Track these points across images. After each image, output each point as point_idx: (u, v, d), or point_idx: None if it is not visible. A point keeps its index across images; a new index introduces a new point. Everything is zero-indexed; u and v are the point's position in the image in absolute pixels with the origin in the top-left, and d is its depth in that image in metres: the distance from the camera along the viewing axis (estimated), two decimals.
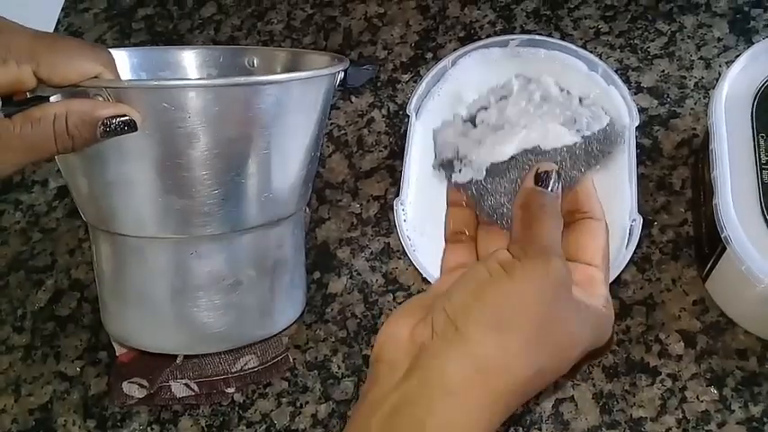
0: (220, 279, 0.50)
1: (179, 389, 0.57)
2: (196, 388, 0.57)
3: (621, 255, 0.50)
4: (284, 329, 0.57)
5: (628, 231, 0.51)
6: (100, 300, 0.55)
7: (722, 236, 0.49)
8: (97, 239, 0.52)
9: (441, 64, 0.59)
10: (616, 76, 0.57)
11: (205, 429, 0.57)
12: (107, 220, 0.49)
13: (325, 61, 0.53)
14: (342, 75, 0.51)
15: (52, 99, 0.41)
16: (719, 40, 0.67)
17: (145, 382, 0.57)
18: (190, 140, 0.44)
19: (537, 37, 0.60)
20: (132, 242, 0.49)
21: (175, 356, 0.57)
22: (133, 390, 0.57)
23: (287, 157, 0.49)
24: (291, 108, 0.47)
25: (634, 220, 0.51)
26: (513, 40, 0.60)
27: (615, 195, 0.53)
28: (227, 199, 0.47)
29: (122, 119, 0.42)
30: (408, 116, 0.58)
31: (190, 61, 0.57)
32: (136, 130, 0.42)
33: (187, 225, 0.48)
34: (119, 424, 0.58)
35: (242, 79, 0.47)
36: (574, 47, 0.58)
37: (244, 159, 0.47)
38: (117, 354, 0.59)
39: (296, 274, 0.56)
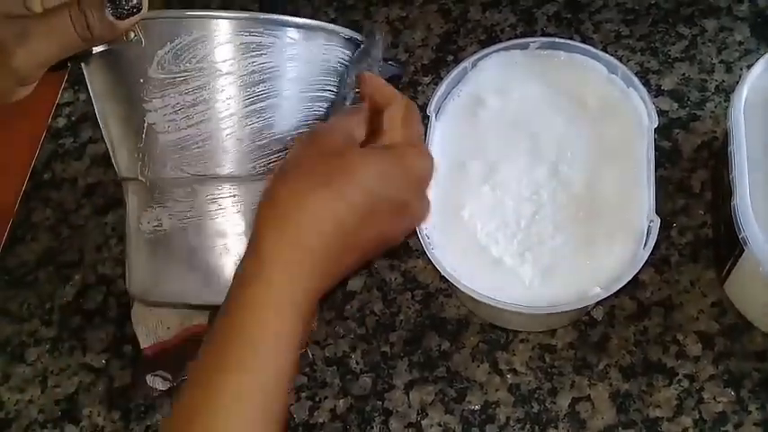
0: (243, 224, 0.50)
1: None
2: None
3: (639, 255, 0.51)
4: None
5: (645, 232, 0.52)
6: (127, 261, 0.55)
7: (740, 237, 0.49)
8: (127, 194, 0.53)
9: (461, 66, 0.60)
10: (635, 79, 0.57)
11: None
12: (132, 166, 0.50)
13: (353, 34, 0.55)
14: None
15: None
16: (740, 43, 0.67)
17: (168, 375, 0.58)
18: (217, 73, 0.47)
19: (557, 39, 0.60)
20: (159, 184, 0.50)
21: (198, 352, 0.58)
22: (156, 382, 0.59)
23: (294, 107, 0.50)
24: (306, 58, 0.49)
25: (652, 221, 0.51)
26: (533, 42, 0.60)
27: (633, 197, 0.53)
28: (242, 140, 0.49)
29: None
30: (428, 117, 0.58)
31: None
32: (141, 7, 0.44)
33: (208, 164, 0.49)
34: (142, 415, 0.60)
35: (263, 15, 0.48)
36: (593, 49, 0.59)
37: (262, 100, 0.48)
38: (142, 347, 0.61)
39: None
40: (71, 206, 0.72)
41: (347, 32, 0.53)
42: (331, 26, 0.51)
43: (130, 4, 0.44)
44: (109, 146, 0.52)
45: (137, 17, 0.44)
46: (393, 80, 0.70)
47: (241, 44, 0.47)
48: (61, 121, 0.77)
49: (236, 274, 0.42)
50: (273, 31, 0.48)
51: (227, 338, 0.40)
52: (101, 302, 0.66)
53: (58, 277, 0.68)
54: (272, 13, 0.48)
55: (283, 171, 0.45)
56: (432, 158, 0.49)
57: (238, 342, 0.39)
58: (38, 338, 0.65)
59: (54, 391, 0.62)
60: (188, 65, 0.46)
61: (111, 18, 0.43)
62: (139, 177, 0.49)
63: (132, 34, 0.45)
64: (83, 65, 0.50)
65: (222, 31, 0.46)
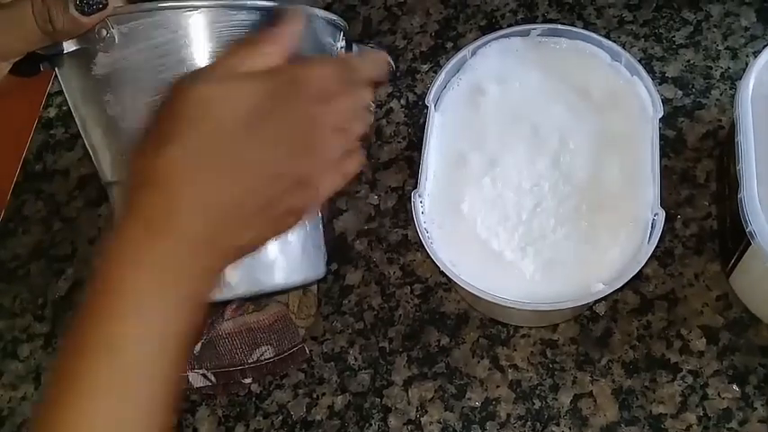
0: None
1: (196, 379, 0.57)
2: (213, 378, 0.57)
3: (643, 249, 0.49)
4: (301, 287, 0.55)
5: (650, 225, 0.50)
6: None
7: (747, 230, 0.48)
8: (113, 199, 0.51)
9: (460, 54, 0.58)
10: (640, 67, 0.55)
11: (222, 419, 0.57)
12: (115, 170, 0.48)
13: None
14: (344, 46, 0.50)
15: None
16: (746, 29, 0.65)
17: None
18: (195, 64, 0.44)
19: (559, 26, 0.58)
20: None
21: (194, 346, 0.57)
22: None
23: None
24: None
25: (656, 213, 0.50)
26: (534, 29, 0.58)
27: (637, 188, 0.52)
28: None
29: None
30: (426, 106, 0.57)
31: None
32: (106, 5, 0.42)
33: None
34: None
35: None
36: (596, 36, 0.57)
37: None
38: None
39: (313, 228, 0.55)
40: (63, 198, 0.70)
41: (325, 14, 0.49)
42: (309, 8, 0.47)
43: (95, 0, 0.41)
44: (90, 151, 0.50)
45: (102, 14, 0.42)
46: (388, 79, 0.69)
47: (220, 32, 0.44)
48: (52, 111, 0.75)
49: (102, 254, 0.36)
50: (249, 16, 0.44)
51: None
52: None
53: (50, 271, 0.67)
54: None
55: (138, 135, 0.38)
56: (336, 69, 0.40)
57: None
58: (30, 334, 0.64)
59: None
60: (166, 59, 0.44)
61: (76, 13, 0.41)
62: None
63: (104, 31, 0.43)
64: (56, 69, 0.48)
65: (200, 21, 0.43)
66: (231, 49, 0.40)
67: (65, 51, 0.44)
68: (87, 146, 0.50)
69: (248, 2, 0.45)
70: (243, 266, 0.48)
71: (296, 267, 0.51)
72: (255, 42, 0.39)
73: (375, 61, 0.44)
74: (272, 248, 0.49)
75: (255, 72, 0.38)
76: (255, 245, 0.40)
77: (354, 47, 0.51)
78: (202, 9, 0.43)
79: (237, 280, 0.49)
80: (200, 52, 0.44)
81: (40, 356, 0.63)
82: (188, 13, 0.43)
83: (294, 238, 0.51)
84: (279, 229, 0.41)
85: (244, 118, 0.37)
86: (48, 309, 0.65)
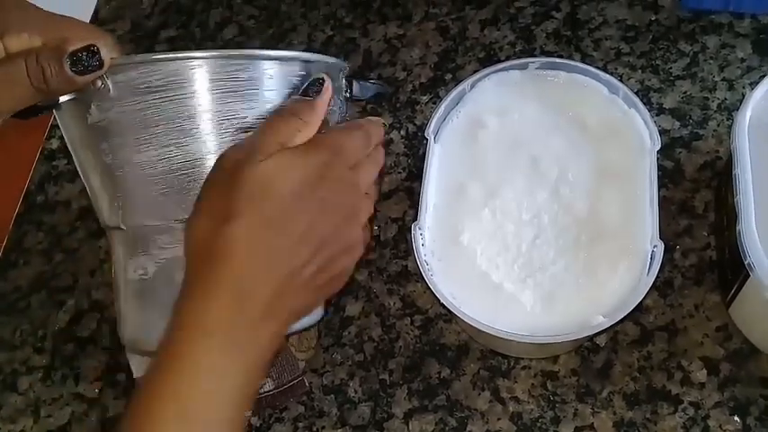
0: None
1: None
2: None
3: (643, 281, 0.50)
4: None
5: (649, 257, 0.51)
6: (116, 311, 0.53)
7: (746, 263, 0.48)
8: (113, 243, 0.52)
9: (459, 87, 0.59)
10: (637, 99, 0.56)
11: None
12: (114, 215, 0.49)
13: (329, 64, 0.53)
14: (346, 84, 0.51)
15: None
16: (743, 60, 0.66)
17: None
18: (191, 115, 0.45)
19: (557, 59, 0.59)
20: (142, 232, 0.48)
21: None
22: None
23: None
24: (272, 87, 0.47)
25: (655, 246, 0.50)
26: (532, 62, 0.59)
27: (636, 220, 0.52)
28: None
29: (90, 49, 0.42)
30: (426, 138, 0.57)
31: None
32: (102, 65, 0.42)
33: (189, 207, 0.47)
34: None
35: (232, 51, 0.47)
36: (594, 69, 0.58)
37: (240, 138, 0.46)
38: (135, 376, 0.59)
39: None
40: (64, 229, 0.71)
41: (322, 58, 0.50)
42: (306, 55, 0.49)
43: (91, 60, 0.42)
44: (90, 194, 0.51)
45: (96, 74, 0.43)
46: (377, 98, 0.69)
47: (217, 83, 0.45)
48: (55, 143, 0.76)
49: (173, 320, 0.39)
50: (247, 67, 0.46)
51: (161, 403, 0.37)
52: (94, 329, 0.65)
53: (51, 303, 0.67)
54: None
55: (194, 210, 0.40)
56: (366, 137, 0.45)
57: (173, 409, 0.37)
58: (30, 367, 0.64)
59: (47, 421, 0.61)
60: (160, 110, 0.44)
61: (71, 73, 0.42)
62: (121, 226, 0.48)
63: (99, 82, 0.43)
64: (55, 112, 0.48)
65: (196, 73, 0.44)
66: (273, 121, 0.42)
67: (60, 102, 0.44)
68: (87, 188, 0.51)
69: (244, 51, 0.46)
70: None
71: None
72: (295, 114, 0.42)
73: (379, 125, 0.48)
74: None
75: (303, 146, 0.41)
76: (312, 307, 0.44)
77: (355, 84, 0.52)
78: (197, 60, 0.44)
79: None
80: (195, 103, 0.44)
81: (40, 389, 0.63)
82: (184, 63, 0.44)
83: None
84: (331, 290, 0.44)
85: (298, 191, 0.39)
86: (47, 341, 0.65)
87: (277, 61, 0.46)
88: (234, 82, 0.45)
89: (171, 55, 0.44)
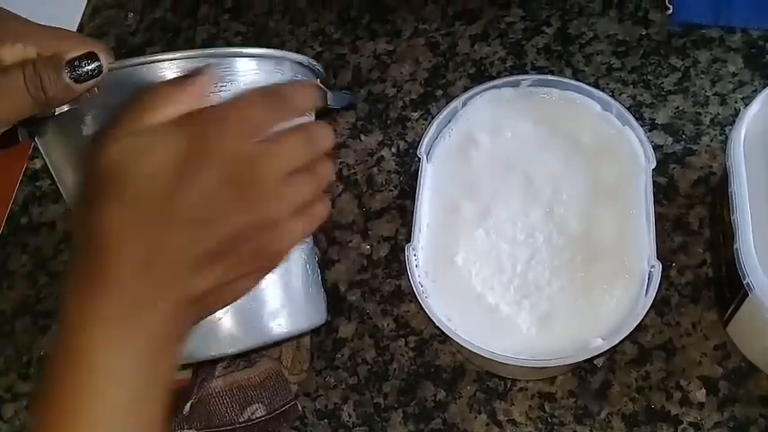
0: None
1: None
2: None
3: (641, 302, 0.49)
4: (301, 335, 0.54)
5: (646, 277, 0.50)
6: None
7: (744, 282, 0.48)
8: None
9: (451, 105, 0.58)
10: (631, 117, 0.55)
11: None
12: None
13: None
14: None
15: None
16: (734, 75, 0.66)
17: None
18: None
19: (549, 77, 0.58)
20: None
21: (184, 406, 0.55)
22: None
23: None
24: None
25: (653, 266, 0.50)
26: (524, 79, 0.59)
27: (632, 240, 0.52)
28: None
29: (89, 57, 0.41)
30: (418, 157, 0.57)
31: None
32: (101, 71, 0.41)
33: None
34: None
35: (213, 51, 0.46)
36: (587, 87, 0.57)
37: None
38: None
39: (314, 271, 0.54)
40: (49, 252, 0.69)
41: (298, 57, 0.49)
42: (281, 52, 0.48)
43: (90, 67, 0.41)
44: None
45: (95, 80, 0.42)
46: (348, 108, 0.69)
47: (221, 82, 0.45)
48: (38, 163, 0.74)
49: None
50: (230, 66, 0.45)
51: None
52: None
53: (36, 328, 0.65)
54: (337, 108, 0.45)
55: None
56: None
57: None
58: (15, 393, 0.62)
59: None
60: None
61: (69, 81, 0.41)
62: None
63: (96, 90, 0.43)
64: (36, 138, 0.47)
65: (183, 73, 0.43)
66: (135, 98, 0.37)
67: (56, 113, 0.43)
68: (71, 208, 0.49)
69: (244, 50, 0.45)
70: (249, 317, 0.47)
71: (301, 313, 0.50)
72: (162, 89, 0.37)
73: (304, 87, 0.41)
74: (276, 296, 0.48)
75: (167, 123, 0.36)
76: (224, 293, 0.38)
77: (329, 93, 0.51)
78: (192, 59, 0.43)
79: (244, 332, 0.48)
80: None
81: (25, 417, 0.61)
82: (179, 63, 0.43)
83: (298, 282, 0.50)
84: (248, 275, 0.39)
85: (172, 168, 0.35)
86: (33, 367, 0.63)
87: (259, 59, 0.46)
88: (236, 82, 0.44)
89: (168, 56, 0.43)
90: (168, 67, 0.44)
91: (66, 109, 0.43)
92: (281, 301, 0.49)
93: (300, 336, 0.57)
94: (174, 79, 0.40)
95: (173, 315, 0.36)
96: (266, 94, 0.38)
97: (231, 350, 0.49)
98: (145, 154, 0.35)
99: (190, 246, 0.35)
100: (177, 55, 0.44)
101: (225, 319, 0.47)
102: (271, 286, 0.48)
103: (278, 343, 0.56)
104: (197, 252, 0.36)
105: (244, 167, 0.36)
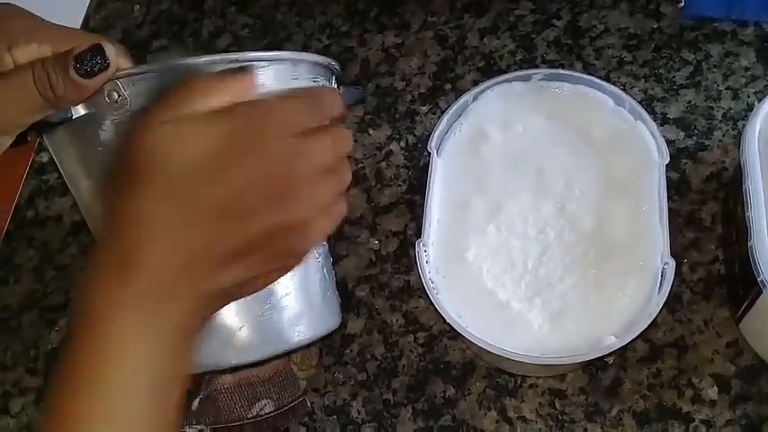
0: None
1: None
2: None
3: (654, 300, 0.48)
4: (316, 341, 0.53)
5: (659, 274, 0.49)
6: None
7: (759, 279, 0.47)
8: None
9: (462, 99, 0.57)
10: (644, 111, 0.55)
11: None
12: None
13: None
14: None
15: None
16: (747, 69, 0.65)
17: None
18: None
19: (561, 71, 0.58)
20: None
21: (192, 401, 0.55)
22: None
23: None
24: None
25: (666, 263, 0.49)
26: (536, 73, 0.58)
27: (645, 236, 0.51)
28: None
29: (94, 50, 0.40)
30: (428, 152, 0.56)
31: None
32: (108, 65, 0.40)
33: None
34: None
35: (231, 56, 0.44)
36: (599, 81, 0.57)
37: None
38: None
39: (329, 274, 0.53)
40: (56, 245, 0.69)
41: (314, 58, 0.48)
42: (298, 55, 0.47)
43: (95, 61, 0.40)
44: (90, 221, 0.49)
45: (105, 75, 0.41)
46: (357, 104, 0.68)
47: None
48: (45, 156, 0.74)
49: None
50: (268, 69, 0.44)
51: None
52: None
53: (43, 322, 0.65)
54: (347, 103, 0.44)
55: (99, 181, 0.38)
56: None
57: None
58: (22, 388, 0.62)
59: None
60: None
61: (77, 77, 0.40)
62: None
63: (115, 94, 0.42)
64: (47, 140, 0.46)
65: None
66: (180, 86, 0.36)
67: (73, 117, 0.42)
68: (85, 214, 0.49)
69: (267, 53, 0.44)
70: (269, 326, 0.46)
71: (320, 318, 0.50)
72: (210, 79, 0.37)
73: (335, 95, 0.42)
74: (297, 303, 0.48)
75: (212, 112, 0.35)
76: (243, 288, 0.38)
77: (342, 88, 0.50)
78: (216, 64, 0.42)
79: (265, 340, 0.47)
80: None
81: (33, 412, 0.61)
82: (205, 68, 0.42)
83: (316, 287, 0.50)
84: (269, 272, 0.39)
85: (204, 160, 0.34)
86: (40, 361, 0.63)
87: (276, 62, 0.44)
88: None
89: (191, 61, 0.42)
90: (192, 73, 0.43)
91: (82, 113, 0.42)
92: (302, 308, 0.48)
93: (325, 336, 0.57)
94: (220, 72, 0.40)
95: (196, 306, 0.36)
96: (306, 96, 0.38)
97: (252, 359, 0.48)
98: (187, 141, 0.34)
99: (220, 241, 0.35)
100: (201, 61, 0.42)
101: (245, 328, 0.46)
102: (292, 293, 0.48)
103: (297, 349, 0.55)
104: (226, 248, 0.35)
105: (280, 166, 0.36)
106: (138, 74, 0.42)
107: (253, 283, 0.38)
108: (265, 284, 0.39)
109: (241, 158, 0.35)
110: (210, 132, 0.35)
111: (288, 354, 0.54)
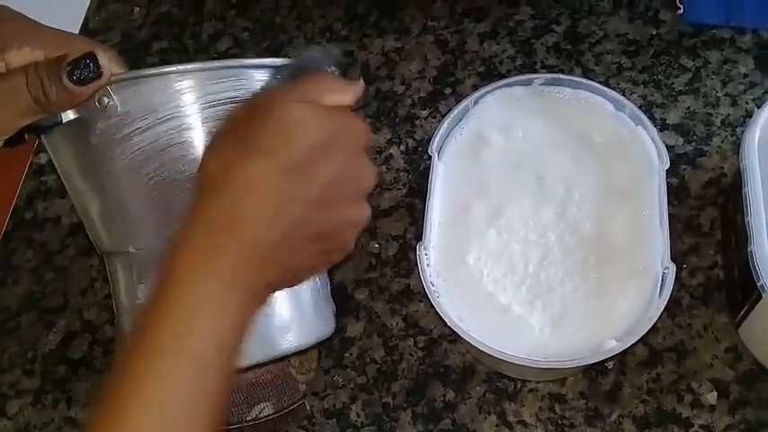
0: None
1: None
2: None
3: (654, 304, 0.49)
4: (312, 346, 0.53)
5: (660, 278, 0.50)
6: (119, 335, 0.52)
7: (759, 284, 0.48)
8: (116, 269, 0.50)
9: (463, 103, 0.58)
10: (644, 117, 0.55)
11: None
12: (121, 239, 0.47)
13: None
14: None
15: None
16: (745, 76, 0.66)
17: None
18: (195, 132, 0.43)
19: (561, 76, 0.58)
20: (156, 254, 0.46)
21: None
22: None
23: None
24: None
25: (667, 267, 0.49)
26: (536, 78, 0.58)
27: (646, 241, 0.51)
28: None
29: (87, 58, 0.41)
30: (429, 155, 0.56)
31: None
32: (100, 73, 0.41)
33: None
34: None
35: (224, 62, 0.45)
36: (599, 86, 0.57)
37: None
38: None
39: (323, 282, 0.53)
40: (54, 247, 0.68)
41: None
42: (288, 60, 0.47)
43: (89, 70, 0.40)
44: (86, 222, 0.48)
45: (97, 84, 0.41)
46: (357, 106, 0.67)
47: (230, 96, 0.44)
48: (44, 157, 0.74)
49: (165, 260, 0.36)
50: (242, 78, 0.44)
51: (152, 344, 0.35)
52: (86, 351, 0.63)
53: (41, 323, 0.65)
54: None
55: (213, 138, 0.38)
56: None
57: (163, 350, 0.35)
58: (19, 390, 0.62)
59: None
60: (168, 128, 0.43)
61: (69, 84, 0.40)
62: (131, 249, 0.46)
63: (106, 99, 0.42)
64: (45, 139, 0.46)
65: (206, 86, 0.43)
66: (314, 77, 0.40)
67: (63, 121, 0.42)
68: (81, 215, 0.48)
69: (264, 60, 0.44)
70: (258, 332, 0.46)
71: (310, 327, 0.50)
72: (339, 81, 0.40)
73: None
74: (287, 310, 0.48)
75: (338, 108, 0.39)
76: (305, 273, 0.41)
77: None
78: (205, 71, 0.42)
79: (252, 346, 0.47)
80: (207, 116, 0.43)
81: (30, 414, 0.60)
82: (192, 75, 0.42)
83: (307, 295, 0.50)
84: (327, 262, 0.42)
85: (322, 145, 0.37)
86: (37, 363, 0.63)
87: (272, 69, 0.45)
88: (246, 93, 0.43)
89: (180, 67, 0.42)
90: (180, 80, 0.43)
91: (72, 117, 0.42)
92: (291, 316, 0.49)
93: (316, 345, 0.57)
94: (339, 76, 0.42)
95: (275, 281, 0.38)
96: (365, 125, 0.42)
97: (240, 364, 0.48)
98: (316, 125, 0.37)
99: (310, 224, 0.37)
100: (189, 67, 0.43)
101: None
102: (281, 300, 0.48)
103: (285, 356, 0.55)
104: (313, 231, 0.38)
105: (363, 169, 0.40)
106: (130, 80, 0.42)
107: (302, 274, 0.41)
108: (307, 278, 0.43)
109: (344, 155, 0.38)
110: (326, 126, 0.37)
111: (277, 360, 0.54)
